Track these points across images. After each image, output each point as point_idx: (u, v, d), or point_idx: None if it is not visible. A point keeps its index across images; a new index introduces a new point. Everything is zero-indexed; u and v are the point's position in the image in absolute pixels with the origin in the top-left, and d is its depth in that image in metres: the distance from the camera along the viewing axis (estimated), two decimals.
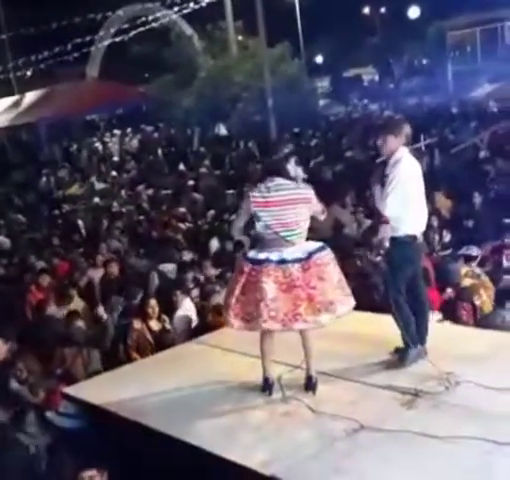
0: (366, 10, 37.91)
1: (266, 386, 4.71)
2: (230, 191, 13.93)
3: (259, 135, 20.05)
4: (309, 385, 4.67)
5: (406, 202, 4.79)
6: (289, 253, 4.45)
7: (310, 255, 4.48)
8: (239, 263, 4.66)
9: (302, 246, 4.53)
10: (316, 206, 4.62)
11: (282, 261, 4.43)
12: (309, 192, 4.56)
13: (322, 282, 4.47)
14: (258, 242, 4.64)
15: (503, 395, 4.31)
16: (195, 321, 7.18)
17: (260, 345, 4.69)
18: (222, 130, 24.89)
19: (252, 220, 4.58)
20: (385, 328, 5.14)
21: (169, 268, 8.98)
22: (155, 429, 4.49)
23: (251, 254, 4.57)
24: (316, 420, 4.36)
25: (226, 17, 24.80)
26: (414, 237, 4.89)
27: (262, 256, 4.47)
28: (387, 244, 4.91)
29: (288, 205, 4.46)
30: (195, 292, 7.78)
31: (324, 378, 4.76)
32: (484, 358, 4.90)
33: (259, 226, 4.52)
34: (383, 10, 37.40)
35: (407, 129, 4.88)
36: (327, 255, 4.57)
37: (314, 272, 4.45)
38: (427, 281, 6.21)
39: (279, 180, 4.49)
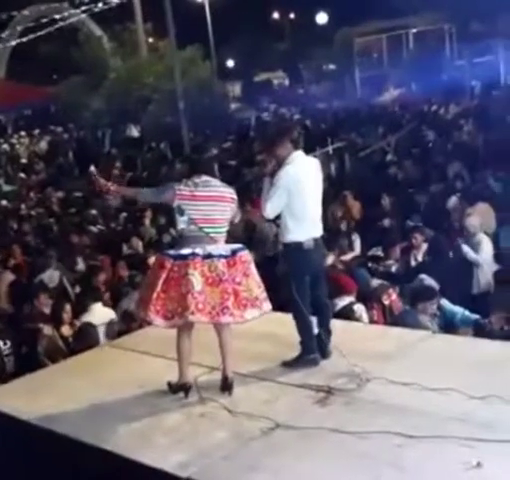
0: (276, 15, 38.37)
1: (183, 388, 4.68)
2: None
3: (171, 137, 19.97)
4: (225, 385, 4.67)
5: (294, 207, 4.83)
6: (213, 249, 4.48)
7: (234, 252, 4.53)
8: (158, 260, 4.64)
9: (224, 245, 4.58)
10: (235, 208, 4.70)
11: (208, 256, 4.44)
12: (233, 193, 4.65)
13: (247, 279, 4.54)
14: (179, 240, 4.63)
15: (412, 390, 4.45)
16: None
17: (177, 346, 4.65)
18: (133, 132, 24.66)
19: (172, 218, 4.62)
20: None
21: (53, 276, 8.74)
22: (69, 436, 4.41)
23: (172, 251, 4.57)
24: (232, 420, 4.39)
25: (135, 18, 24.62)
26: (307, 242, 4.90)
27: (186, 251, 4.46)
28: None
29: (215, 201, 4.52)
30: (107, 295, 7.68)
31: (240, 378, 4.79)
32: (393, 355, 5.05)
33: (182, 221, 4.51)
34: (292, 15, 37.92)
35: (295, 134, 5.02)
36: (248, 254, 4.67)
37: (239, 268, 4.52)
38: (340, 288, 6.34)
39: (206, 177, 4.55)
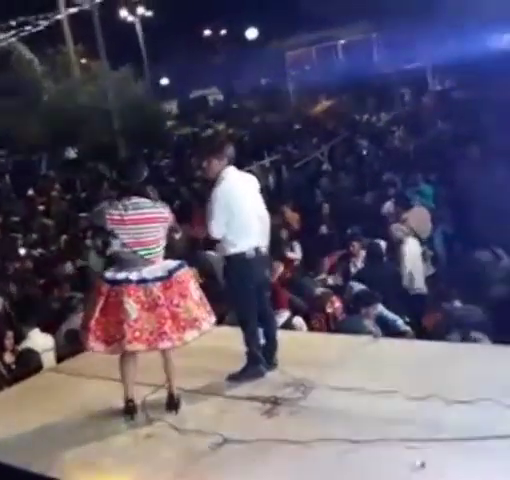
0: (207, 32, 38.58)
1: (129, 409, 4.65)
2: (83, 214, 13.68)
3: (108, 157, 19.86)
4: (171, 404, 4.66)
5: (232, 221, 4.88)
6: (149, 272, 4.44)
7: (170, 273, 4.48)
8: (97, 284, 4.59)
9: (161, 264, 4.53)
10: (172, 225, 4.68)
11: (142, 280, 4.41)
12: (166, 211, 4.59)
13: (185, 299, 4.49)
14: (116, 261, 4.59)
15: (355, 395, 4.52)
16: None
17: (121, 368, 4.63)
18: (71, 153, 24.44)
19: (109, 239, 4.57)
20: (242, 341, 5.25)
21: None
22: (14, 466, 4.33)
23: (109, 274, 4.52)
24: (180, 438, 4.38)
25: (66, 40, 24.47)
26: (248, 253, 4.94)
27: (121, 276, 4.43)
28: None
29: (146, 223, 4.46)
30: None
31: (186, 395, 4.78)
32: (337, 361, 5.13)
33: (116, 244, 4.49)
34: (223, 32, 38.20)
35: (230, 150, 5.00)
36: (187, 273, 4.62)
37: (176, 290, 4.47)
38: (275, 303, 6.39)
39: (136, 199, 4.49)
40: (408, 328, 6.37)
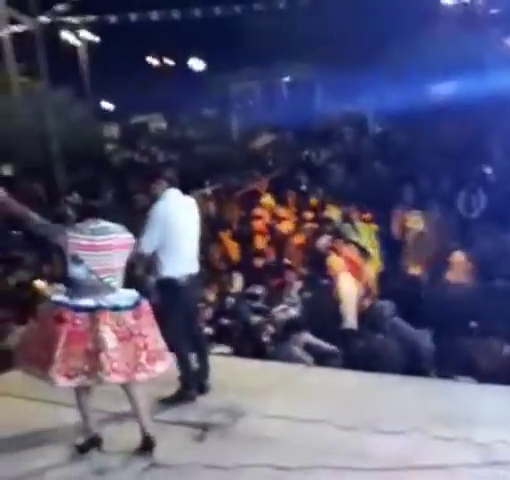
0: (154, 60, 38.79)
1: (93, 443, 4.35)
2: (15, 232, 13.39)
3: (44, 178, 19.57)
4: (148, 445, 4.27)
5: (167, 243, 4.88)
6: (116, 300, 4.18)
7: (138, 302, 4.26)
8: (52, 311, 4.18)
9: (123, 293, 4.28)
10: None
11: (115, 308, 4.15)
12: (131, 237, 4.39)
13: (152, 330, 4.31)
14: (72, 287, 4.24)
15: (286, 423, 4.56)
16: None
17: (77, 402, 4.33)
18: (6, 171, 23.99)
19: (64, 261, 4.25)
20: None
21: None
22: None
23: (66, 300, 4.17)
24: (109, 460, 4.29)
25: (7, 58, 24.18)
26: (180, 278, 4.94)
27: (89, 302, 4.12)
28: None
29: (114, 249, 4.22)
30: None
31: (116, 418, 4.73)
32: (269, 389, 5.15)
33: (79, 270, 4.15)
34: (170, 61, 38.48)
35: (169, 173, 5.11)
36: (147, 304, 4.39)
37: (145, 320, 4.27)
38: None
39: (103, 223, 4.25)
40: (333, 347, 6.45)
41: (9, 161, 23.03)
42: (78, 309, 4.11)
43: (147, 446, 4.28)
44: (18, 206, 4.39)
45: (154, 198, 5.01)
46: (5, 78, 24.39)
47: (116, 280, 4.26)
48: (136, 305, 4.25)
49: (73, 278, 4.21)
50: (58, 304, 4.19)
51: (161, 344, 4.36)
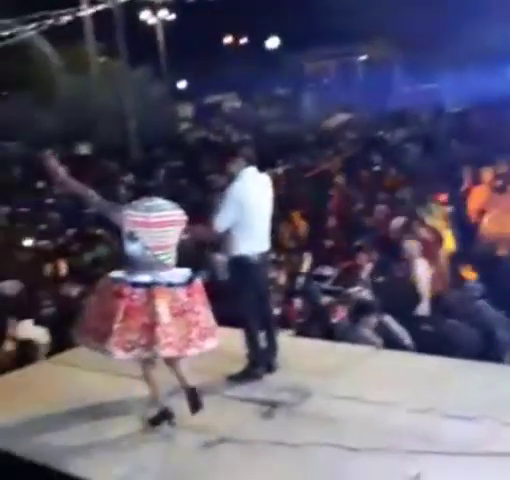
0: (228, 39, 38.82)
1: (165, 416, 4.42)
2: (88, 210, 13.69)
3: (120, 156, 19.89)
4: (196, 404, 4.36)
5: (241, 221, 4.86)
6: (171, 277, 4.28)
7: (190, 280, 4.35)
8: (112, 286, 4.31)
9: (176, 270, 4.38)
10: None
11: (170, 284, 4.26)
12: (183, 214, 4.44)
13: (204, 308, 4.40)
14: (129, 263, 4.33)
15: (354, 404, 4.52)
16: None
17: (145, 376, 4.43)
18: (83, 150, 24.49)
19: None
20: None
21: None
22: (4, 450, 4.33)
23: (124, 275, 4.29)
24: (178, 434, 4.37)
25: (86, 37, 24.60)
26: (252, 257, 4.94)
27: (145, 278, 4.22)
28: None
29: (168, 226, 4.31)
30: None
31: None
32: (337, 370, 5.11)
33: (134, 247, 4.25)
34: (245, 39, 38.43)
35: (247, 151, 5.04)
36: (200, 282, 4.48)
37: (198, 298, 4.37)
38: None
39: (158, 200, 4.33)
40: (409, 342, 6.34)
41: (87, 140, 23.50)
42: (135, 285, 4.22)
43: (195, 404, 4.34)
44: (78, 185, 4.53)
45: (230, 177, 4.99)
46: (85, 58, 24.87)
47: (169, 257, 4.35)
48: (189, 283, 4.34)
49: (129, 255, 4.31)
50: (116, 280, 4.31)
51: (212, 322, 4.44)
